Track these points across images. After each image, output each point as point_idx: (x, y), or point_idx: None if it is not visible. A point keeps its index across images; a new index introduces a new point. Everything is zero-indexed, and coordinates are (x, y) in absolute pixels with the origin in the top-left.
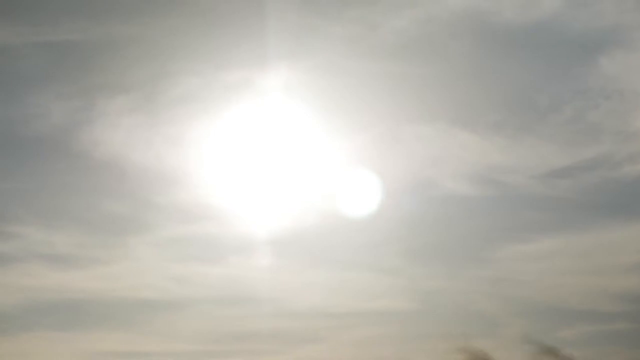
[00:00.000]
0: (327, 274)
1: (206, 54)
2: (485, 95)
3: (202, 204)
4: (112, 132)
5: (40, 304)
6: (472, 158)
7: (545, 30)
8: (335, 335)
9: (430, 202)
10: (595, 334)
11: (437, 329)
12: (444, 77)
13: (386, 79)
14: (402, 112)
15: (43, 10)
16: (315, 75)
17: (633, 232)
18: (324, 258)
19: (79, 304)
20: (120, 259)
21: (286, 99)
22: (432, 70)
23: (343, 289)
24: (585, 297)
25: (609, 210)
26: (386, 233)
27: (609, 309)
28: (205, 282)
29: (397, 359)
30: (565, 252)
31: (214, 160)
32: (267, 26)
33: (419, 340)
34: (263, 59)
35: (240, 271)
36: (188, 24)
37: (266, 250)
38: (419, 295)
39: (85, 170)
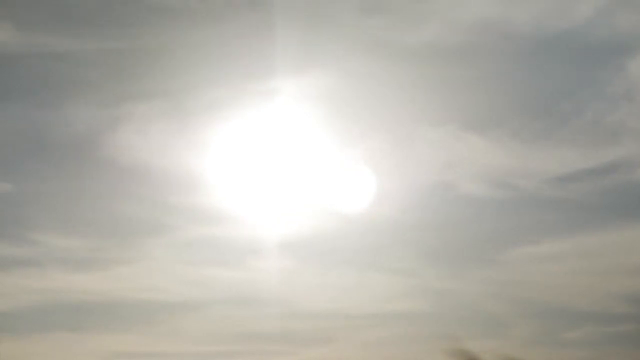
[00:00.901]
0: (340, 276)
1: (223, 65)
2: (506, 101)
3: (218, 208)
4: (135, 137)
5: (59, 306)
6: (488, 162)
7: (570, 36)
8: (347, 336)
9: (444, 205)
10: (601, 335)
11: (448, 330)
12: (463, 82)
13: (403, 84)
14: (420, 116)
15: (74, 19)
16: (329, 82)
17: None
18: (337, 260)
19: (96, 306)
20: (138, 261)
21: (301, 105)
22: (451, 75)
23: (355, 291)
24: (592, 298)
25: (619, 213)
26: (399, 235)
27: (615, 310)
28: (220, 284)
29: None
30: (573, 254)
31: (231, 165)
32: (278, 38)
33: (430, 342)
34: (276, 69)
35: (255, 273)
36: (205, 36)
37: (280, 253)
38: (431, 297)
39: (107, 174)
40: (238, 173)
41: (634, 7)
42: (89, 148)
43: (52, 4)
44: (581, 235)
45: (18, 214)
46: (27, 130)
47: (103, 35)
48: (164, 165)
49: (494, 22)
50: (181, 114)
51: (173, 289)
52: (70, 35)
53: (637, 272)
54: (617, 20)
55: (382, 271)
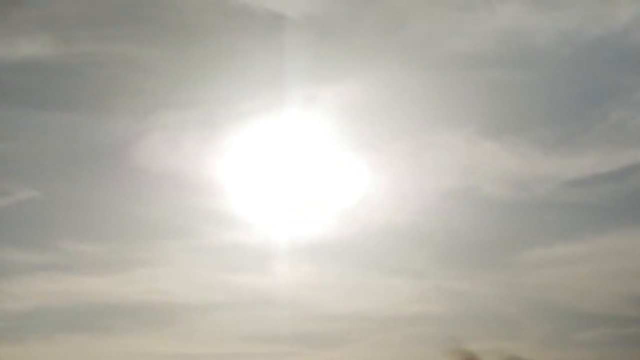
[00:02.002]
0: (356, 280)
1: (248, 77)
2: (530, 107)
3: (238, 213)
4: (163, 145)
5: (81, 308)
6: (505, 167)
7: (602, 44)
8: (362, 338)
9: (460, 209)
10: (611, 336)
11: (461, 332)
12: (488, 88)
13: (424, 92)
14: (440, 122)
15: (110, 31)
16: (348, 91)
17: None
18: (353, 264)
19: (116, 308)
20: (159, 264)
21: (320, 114)
22: (475, 81)
23: (371, 294)
24: (602, 300)
25: (632, 216)
26: (414, 239)
27: (625, 312)
28: (238, 287)
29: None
30: (585, 256)
31: (252, 173)
32: (297, 52)
33: (443, 344)
34: (296, 80)
35: (273, 277)
36: (229, 50)
37: (298, 257)
38: (446, 299)
39: (135, 181)
40: (259, 180)
41: None
42: (120, 155)
43: (87, 15)
44: (593, 238)
45: (45, 220)
46: (59, 138)
47: (138, 46)
48: (190, 171)
49: (521, 31)
50: (209, 124)
51: (192, 292)
52: (105, 45)
53: None
54: None
55: (397, 274)
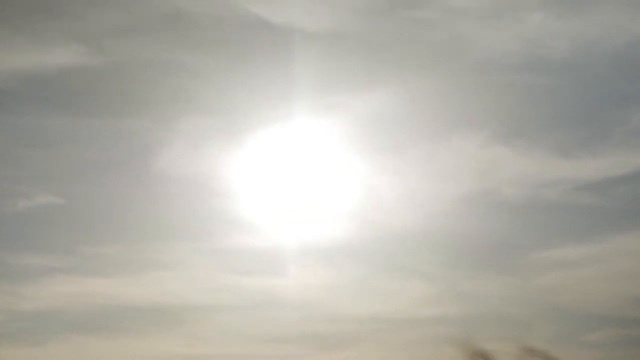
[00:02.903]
0: (371, 282)
1: (260, 85)
2: (550, 111)
3: (252, 218)
4: (185, 151)
5: (93, 310)
6: (520, 171)
7: (619, 51)
8: (375, 339)
9: (475, 213)
10: (619, 337)
11: (473, 332)
12: (506, 93)
13: (442, 96)
14: (457, 126)
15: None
16: (364, 98)
17: None
18: (368, 267)
19: (131, 310)
20: (173, 267)
21: (336, 120)
22: (494, 86)
23: (386, 296)
24: (611, 302)
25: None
26: (429, 241)
27: (633, 314)
28: (252, 289)
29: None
30: (594, 259)
31: (270, 179)
32: (312, 61)
33: (456, 344)
34: (315, 88)
35: (289, 280)
36: (246, 62)
37: (312, 260)
38: (458, 301)
39: (157, 186)
40: (274, 185)
41: None
42: (140, 161)
43: (117, 24)
44: (602, 240)
45: (64, 224)
46: (83, 144)
47: (160, 56)
48: (207, 177)
49: (544, 38)
50: (230, 131)
51: (205, 294)
52: (131, 54)
53: None
54: None
55: (410, 276)
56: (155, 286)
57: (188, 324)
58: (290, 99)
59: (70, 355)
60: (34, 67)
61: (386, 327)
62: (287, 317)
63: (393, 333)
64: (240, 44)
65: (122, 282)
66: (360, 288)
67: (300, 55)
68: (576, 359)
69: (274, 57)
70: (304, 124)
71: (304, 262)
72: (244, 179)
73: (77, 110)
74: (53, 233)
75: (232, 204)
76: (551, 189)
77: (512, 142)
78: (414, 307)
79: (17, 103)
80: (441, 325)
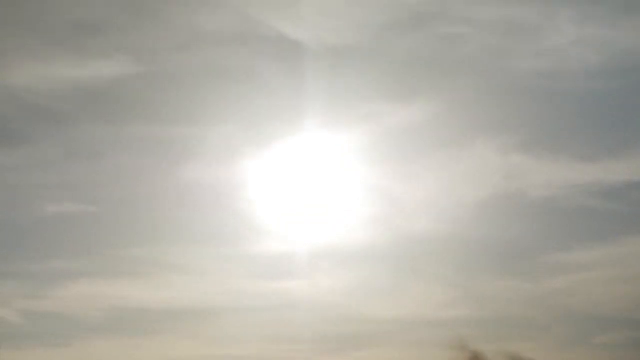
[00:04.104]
0: (390, 285)
1: (279, 98)
2: (575, 119)
3: (273, 224)
4: (210, 158)
5: (117, 312)
6: (542, 177)
7: None
8: (393, 340)
9: (491, 219)
10: (629, 339)
11: (488, 334)
12: (532, 100)
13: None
14: (479, 134)
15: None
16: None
17: None
18: (388, 270)
19: (154, 312)
20: (197, 270)
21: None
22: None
23: (404, 299)
24: (621, 305)
25: None
26: (447, 246)
27: None
28: (272, 292)
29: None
30: (605, 262)
31: (288, 184)
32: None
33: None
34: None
35: (309, 282)
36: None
37: (333, 263)
38: (475, 303)
39: (184, 193)
40: (296, 192)
41: None
42: (168, 168)
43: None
44: (615, 244)
45: (95, 230)
46: (117, 152)
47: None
48: (233, 184)
49: (580, 47)
50: (253, 140)
51: (229, 296)
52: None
53: None
54: None
55: (429, 280)
56: (177, 289)
57: (209, 325)
58: (317, 109)
59: (93, 355)
60: (75, 80)
61: (404, 329)
62: (308, 319)
63: (410, 335)
64: (264, 58)
65: (144, 285)
66: (379, 291)
67: (327, 69)
68: None
69: (299, 72)
70: (329, 132)
71: (324, 266)
72: (266, 186)
73: (113, 120)
74: (81, 238)
75: (253, 210)
76: (568, 194)
77: (532, 149)
78: (432, 309)
79: (59, 114)
80: (458, 328)
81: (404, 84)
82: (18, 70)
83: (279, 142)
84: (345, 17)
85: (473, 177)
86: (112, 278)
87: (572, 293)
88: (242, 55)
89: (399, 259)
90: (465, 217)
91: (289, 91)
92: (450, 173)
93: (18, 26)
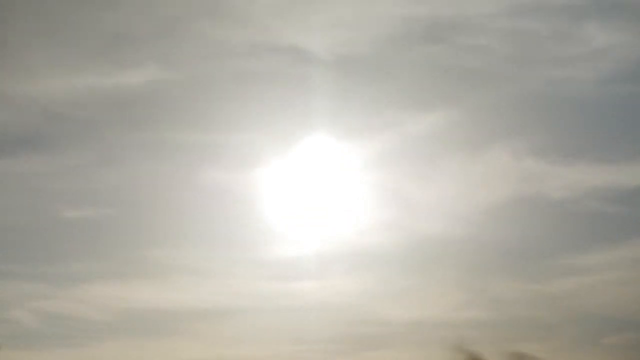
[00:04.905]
0: (404, 287)
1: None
2: (591, 125)
3: (287, 228)
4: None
5: (134, 313)
6: (556, 180)
7: None
8: (406, 341)
9: (506, 223)
10: (637, 340)
11: (502, 334)
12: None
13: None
14: (495, 140)
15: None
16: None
17: None
18: (405, 273)
19: (168, 313)
20: (214, 272)
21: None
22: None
23: (418, 301)
24: (630, 307)
25: None
26: (462, 248)
27: None
28: (289, 293)
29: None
30: (615, 265)
31: (300, 190)
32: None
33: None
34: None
35: (325, 284)
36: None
37: (347, 265)
38: (490, 305)
39: (207, 198)
40: (312, 197)
41: None
42: (187, 172)
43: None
44: (622, 247)
45: (114, 233)
46: (142, 157)
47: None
48: (249, 189)
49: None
50: (268, 147)
51: (245, 298)
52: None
53: None
54: None
55: (444, 282)
56: (193, 291)
57: (224, 327)
58: (332, 118)
59: (108, 356)
60: (101, 89)
61: (416, 330)
62: (323, 320)
63: (423, 336)
64: (284, 68)
65: (160, 287)
66: (393, 293)
67: (343, 80)
68: None
69: (315, 81)
70: (344, 139)
71: (339, 268)
72: (283, 190)
73: (135, 127)
74: (99, 241)
75: (269, 214)
76: (579, 198)
77: (547, 154)
78: (445, 311)
79: (85, 122)
80: (471, 329)
81: (417, 93)
82: (47, 80)
83: (295, 148)
84: (364, 29)
85: (487, 182)
86: (127, 280)
87: (582, 295)
88: (263, 65)
89: (413, 261)
90: (478, 220)
91: (306, 99)
92: (465, 178)
93: (52, 38)
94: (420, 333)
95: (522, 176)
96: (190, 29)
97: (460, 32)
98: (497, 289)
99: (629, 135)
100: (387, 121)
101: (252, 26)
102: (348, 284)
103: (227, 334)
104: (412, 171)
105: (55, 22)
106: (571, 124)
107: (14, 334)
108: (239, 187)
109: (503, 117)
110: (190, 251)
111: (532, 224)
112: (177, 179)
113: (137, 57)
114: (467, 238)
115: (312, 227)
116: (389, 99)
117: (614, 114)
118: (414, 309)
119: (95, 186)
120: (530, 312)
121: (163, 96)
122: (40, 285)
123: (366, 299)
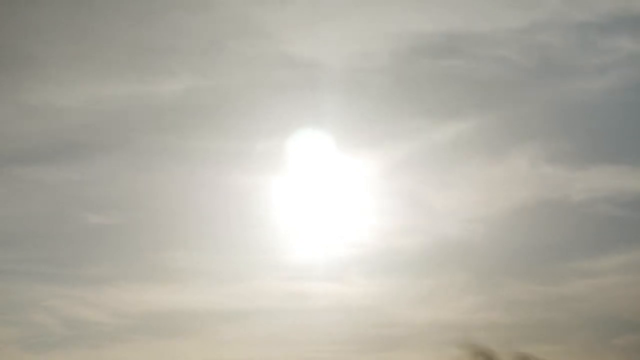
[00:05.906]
0: (424, 289)
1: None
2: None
3: (308, 232)
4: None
5: (150, 315)
6: (569, 185)
7: None
8: (422, 342)
9: (519, 227)
10: None
11: (516, 336)
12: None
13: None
14: (509, 143)
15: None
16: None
17: None
18: (421, 276)
19: (183, 314)
20: (233, 276)
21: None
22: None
23: (438, 302)
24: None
25: None
26: (478, 251)
27: None
28: (308, 296)
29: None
30: (624, 268)
31: (319, 194)
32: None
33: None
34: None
35: (345, 287)
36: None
37: (367, 268)
38: (505, 308)
39: (230, 203)
40: (333, 202)
41: None
42: (206, 178)
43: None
44: (634, 251)
45: (136, 237)
46: (170, 163)
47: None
48: (269, 193)
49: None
50: (287, 153)
51: (264, 301)
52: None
53: None
54: None
55: (461, 285)
56: (214, 293)
57: (242, 328)
58: (354, 127)
59: (130, 357)
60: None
61: (433, 332)
62: (342, 322)
63: (439, 337)
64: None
65: (181, 289)
66: (411, 295)
67: (359, 91)
68: None
69: (331, 92)
70: (366, 147)
71: (358, 270)
72: (301, 197)
73: (165, 134)
74: (123, 245)
75: (288, 219)
76: (593, 202)
77: (564, 160)
78: (461, 313)
79: (116, 130)
80: (486, 331)
81: (436, 103)
82: (79, 90)
83: (316, 155)
84: (382, 43)
85: (505, 187)
86: (147, 283)
87: (595, 297)
88: (286, 77)
89: (431, 264)
90: (495, 224)
91: (328, 109)
92: (483, 183)
93: (88, 51)
94: (435, 334)
95: (540, 181)
96: (221, 43)
97: (477, 44)
98: (512, 292)
99: None
100: (407, 129)
101: (278, 41)
102: (366, 286)
103: (246, 336)
104: (431, 177)
105: (93, 37)
106: (588, 130)
107: (35, 335)
108: (259, 192)
109: (521, 124)
110: (212, 254)
111: (548, 227)
112: (199, 184)
113: (168, 68)
114: (484, 242)
115: (331, 232)
116: (408, 109)
117: (630, 120)
118: (430, 311)
119: (122, 193)
120: (544, 314)
121: (190, 105)
122: (60, 287)
123: (384, 302)
